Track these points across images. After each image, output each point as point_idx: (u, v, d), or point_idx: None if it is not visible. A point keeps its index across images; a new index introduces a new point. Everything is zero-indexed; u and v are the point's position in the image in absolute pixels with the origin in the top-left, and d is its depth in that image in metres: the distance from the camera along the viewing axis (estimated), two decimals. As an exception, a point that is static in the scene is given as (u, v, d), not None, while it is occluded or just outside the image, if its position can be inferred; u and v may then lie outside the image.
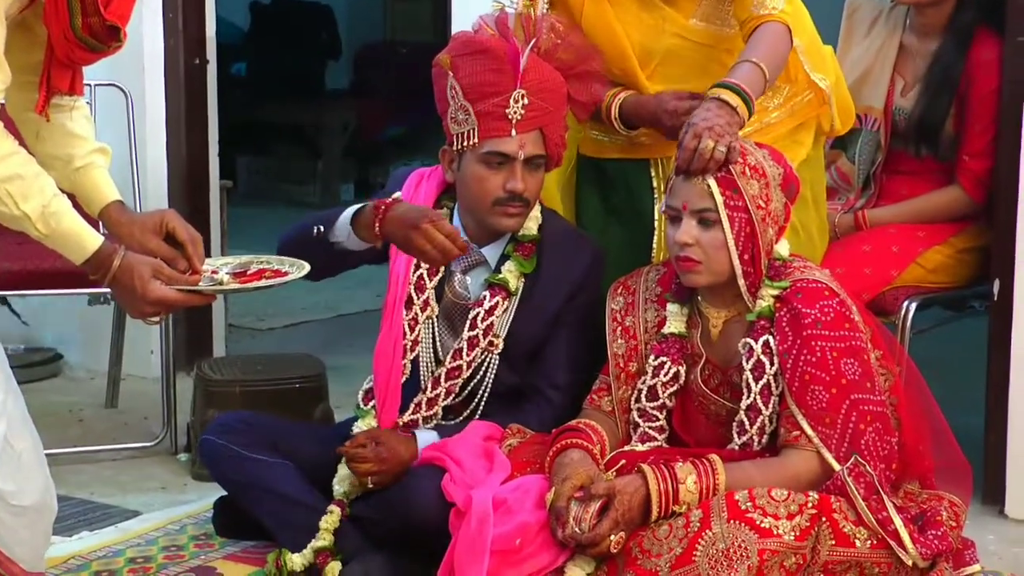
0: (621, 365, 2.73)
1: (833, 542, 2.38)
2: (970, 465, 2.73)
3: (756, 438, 2.57)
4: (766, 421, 2.57)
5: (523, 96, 2.76)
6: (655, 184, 3.00)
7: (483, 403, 2.86)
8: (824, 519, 2.38)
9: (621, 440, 2.70)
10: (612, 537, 2.41)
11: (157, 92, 4.31)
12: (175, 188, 4.35)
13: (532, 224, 2.87)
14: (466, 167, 2.81)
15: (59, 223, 2.26)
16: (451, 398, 2.86)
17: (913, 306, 3.23)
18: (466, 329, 2.83)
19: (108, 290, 2.43)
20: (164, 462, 3.70)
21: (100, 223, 2.45)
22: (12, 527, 2.33)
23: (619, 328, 2.75)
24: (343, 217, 2.75)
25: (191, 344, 4.37)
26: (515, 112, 2.76)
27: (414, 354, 2.86)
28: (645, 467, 2.47)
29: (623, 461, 2.58)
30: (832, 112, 3.05)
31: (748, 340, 2.58)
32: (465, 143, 2.79)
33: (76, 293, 3.82)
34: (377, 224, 2.69)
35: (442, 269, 2.86)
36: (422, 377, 2.87)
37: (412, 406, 2.85)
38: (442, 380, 2.84)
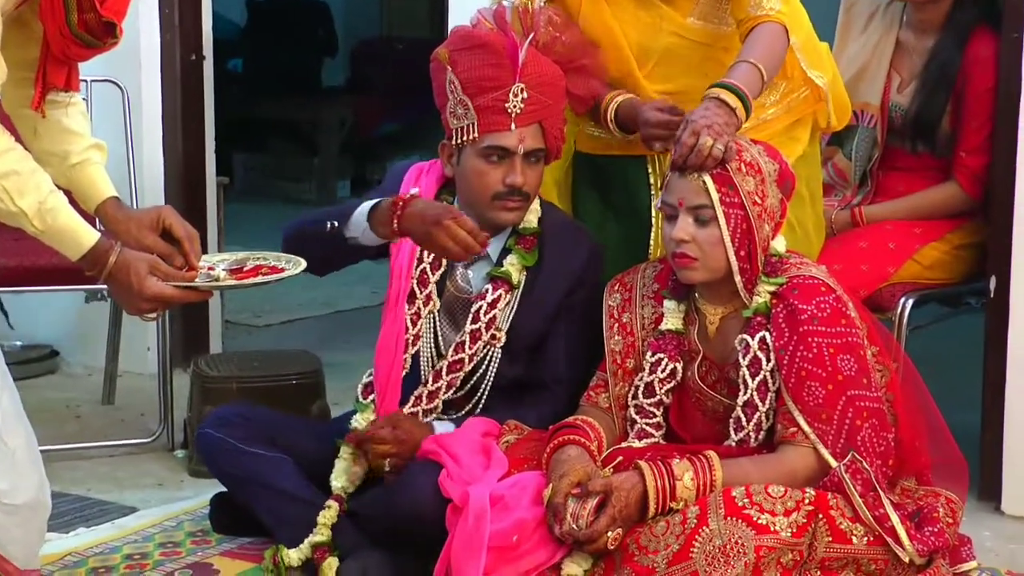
0: (618, 361, 2.73)
1: (830, 539, 2.39)
2: (966, 461, 2.73)
3: (753, 434, 2.57)
4: (763, 417, 2.57)
5: (522, 90, 2.76)
6: (652, 181, 3.00)
7: (485, 397, 2.86)
8: (821, 516, 2.39)
9: (618, 437, 2.70)
10: (609, 534, 2.41)
11: (153, 88, 4.31)
12: (171, 184, 4.34)
13: (532, 217, 2.88)
14: (465, 161, 2.82)
15: (55, 219, 2.26)
16: (452, 391, 2.85)
17: (910, 302, 3.23)
18: (468, 322, 2.84)
19: (105, 287, 2.43)
20: (161, 458, 3.70)
21: (97, 220, 2.45)
22: (5, 525, 2.33)
23: (616, 324, 2.75)
24: (358, 213, 2.73)
25: (188, 340, 4.37)
26: (514, 106, 2.76)
27: (415, 349, 2.86)
28: (642, 464, 2.47)
29: (620, 458, 2.58)
30: (829, 108, 3.06)
31: (745, 336, 2.59)
32: (464, 138, 2.79)
33: (73, 289, 3.81)
34: (395, 220, 2.68)
35: (444, 263, 2.86)
36: (423, 371, 2.87)
37: (412, 399, 2.85)
38: (443, 373, 2.85)
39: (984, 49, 3.32)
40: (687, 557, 2.34)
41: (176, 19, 4.32)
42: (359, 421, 2.87)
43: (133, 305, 2.35)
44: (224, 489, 2.99)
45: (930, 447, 2.66)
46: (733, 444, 2.58)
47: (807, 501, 2.39)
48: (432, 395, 2.85)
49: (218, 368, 3.60)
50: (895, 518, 2.41)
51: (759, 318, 2.59)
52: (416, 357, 2.87)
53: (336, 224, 2.73)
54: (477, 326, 2.83)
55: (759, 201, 2.57)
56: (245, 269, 2.50)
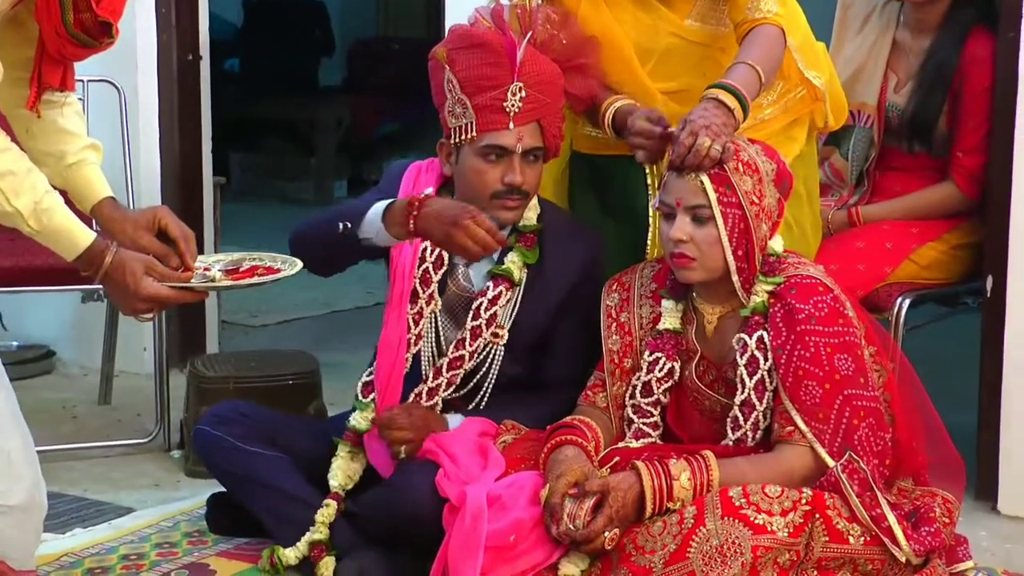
0: (616, 361, 2.73)
1: (827, 539, 2.39)
2: (963, 461, 2.73)
3: (750, 434, 2.57)
4: (760, 417, 2.57)
5: (520, 89, 2.76)
6: (649, 181, 2.99)
7: (488, 395, 2.86)
8: (818, 516, 2.39)
9: (615, 436, 2.70)
10: (606, 534, 2.41)
11: (150, 88, 4.30)
12: (168, 184, 4.34)
13: (532, 214, 2.88)
14: (464, 160, 2.81)
15: (51, 219, 2.26)
16: (451, 389, 2.85)
17: (906, 302, 3.23)
18: (469, 319, 2.83)
19: (101, 287, 2.42)
20: (157, 459, 3.70)
21: (93, 220, 2.45)
22: (0, 526, 2.32)
23: (614, 324, 2.75)
24: (372, 213, 2.72)
25: (184, 341, 4.37)
26: (513, 105, 2.76)
27: (417, 348, 2.86)
28: (639, 464, 2.47)
29: (617, 458, 2.58)
30: (826, 108, 3.06)
31: (742, 336, 2.59)
32: (463, 136, 2.79)
33: (69, 290, 3.81)
34: (411, 220, 2.67)
35: (446, 263, 2.86)
36: (423, 370, 2.87)
37: (412, 396, 2.84)
38: (444, 370, 2.84)
39: (981, 49, 3.32)
40: (684, 557, 2.34)
41: (173, 19, 4.32)
42: (358, 419, 2.87)
43: (129, 306, 2.35)
44: (221, 489, 2.99)
45: (927, 447, 2.66)
46: (730, 443, 2.58)
47: (804, 501, 2.39)
48: (432, 392, 2.84)
49: (215, 368, 3.60)
50: (892, 518, 2.41)
51: (757, 317, 2.59)
52: (417, 356, 2.87)
53: (349, 225, 2.72)
54: (478, 323, 2.83)
55: (757, 201, 2.57)
56: (241, 270, 2.50)
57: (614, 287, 2.79)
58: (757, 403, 2.57)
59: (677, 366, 2.67)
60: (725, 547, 2.32)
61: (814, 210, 3.16)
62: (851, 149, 3.51)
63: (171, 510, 3.25)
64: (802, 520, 2.37)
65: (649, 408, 2.68)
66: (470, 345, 2.83)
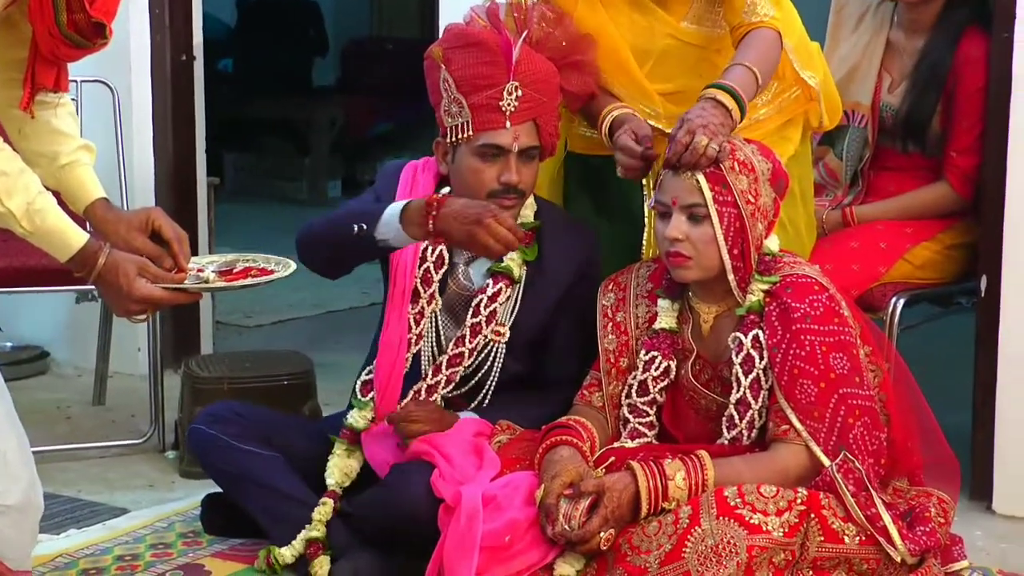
0: (612, 360, 2.73)
1: (822, 538, 2.39)
2: (958, 461, 2.73)
3: (746, 432, 2.57)
4: (755, 415, 2.57)
5: (516, 88, 2.76)
6: (644, 180, 2.99)
7: (490, 393, 2.86)
8: (813, 515, 2.39)
9: (611, 436, 2.70)
10: (602, 534, 2.41)
11: (144, 88, 4.30)
12: (162, 185, 4.33)
13: (529, 212, 2.88)
14: (460, 159, 2.81)
15: (44, 220, 2.26)
16: (451, 387, 2.85)
17: (901, 302, 3.24)
18: (469, 316, 2.83)
19: (95, 287, 2.42)
20: (152, 459, 3.69)
21: (86, 221, 2.44)
22: (-3, 526, 2.33)
23: (610, 324, 2.75)
24: (388, 215, 2.69)
25: (178, 341, 4.36)
26: (508, 104, 2.76)
27: (417, 347, 2.86)
28: (634, 464, 2.47)
29: (612, 458, 2.58)
30: (821, 108, 3.06)
31: (738, 334, 2.59)
32: (459, 136, 2.79)
33: (63, 290, 3.80)
34: (430, 220, 2.66)
35: (447, 262, 2.86)
36: (423, 369, 2.86)
37: (411, 393, 2.84)
38: (443, 367, 2.84)
39: (975, 49, 3.33)
40: (679, 557, 2.34)
41: (166, 19, 4.32)
42: (356, 417, 2.87)
43: (122, 307, 2.34)
44: (216, 490, 2.98)
45: (922, 447, 2.67)
46: (726, 442, 2.58)
47: (799, 501, 2.39)
48: (431, 389, 2.84)
49: (209, 369, 3.59)
50: (887, 517, 2.42)
51: (752, 316, 2.59)
52: (417, 356, 2.87)
53: (365, 227, 2.71)
54: (478, 320, 2.83)
55: (752, 200, 2.57)
56: (234, 271, 2.50)
57: (610, 287, 2.79)
58: (752, 402, 2.57)
59: (673, 365, 2.67)
60: (720, 547, 2.32)
61: (808, 210, 3.16)
62: (845, 149, 3.51)
63: (166, 511, 3.25)
64: (797, 520, 2.38)
65: (645, 407, 2.68)
66: (470, 342, 2.83)
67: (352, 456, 2.86)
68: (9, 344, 4.51)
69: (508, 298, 2.85)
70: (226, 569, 2.90)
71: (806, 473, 2.49)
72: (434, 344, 2.87)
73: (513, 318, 2.85)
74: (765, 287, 2.59)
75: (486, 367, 2.85)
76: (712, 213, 2.55)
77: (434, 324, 2.87)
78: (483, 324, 2.83)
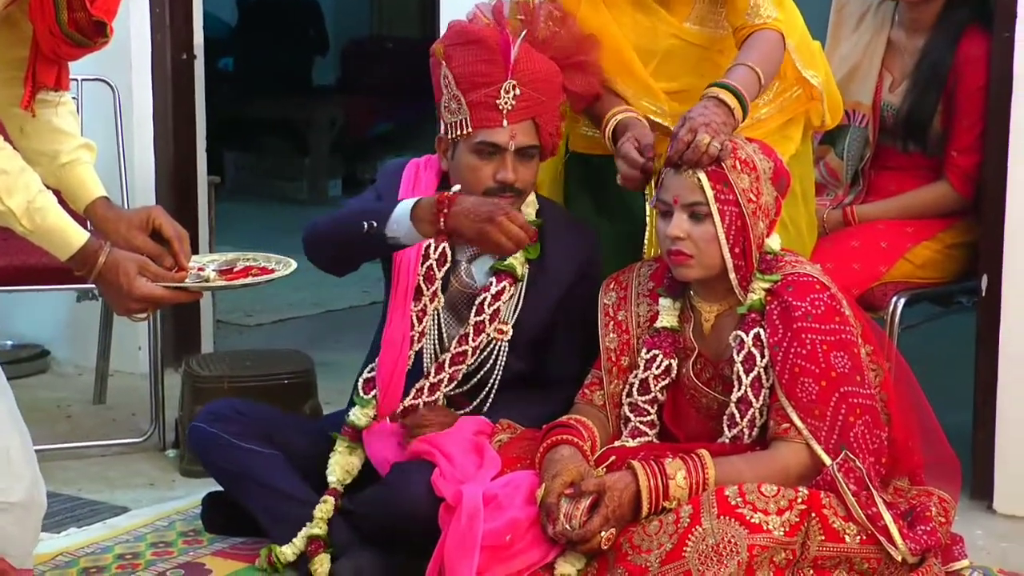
0: (613, 359, 2.73)
1: (823, 538, 2.39)
2: (959, 461, 2.73)
3: (747, 431, 2.57)
4: (756, 414, 2.57)
5: (514, 87, 2.76)
6: (645, 180, 3.00)
7: (494, 392, 2.86)
8: (814, 515, 2.39)
9: (612, 435, 2.70)
10: (602, 533, 2.41)
11: (144, 87, 4.30)
12: (162, 184, 4.34)
13: (530, 211, 2.88)
14: (459, 156, 2.82)
15: (44, 219, 2.26)
16: (453, 385, 2.85)
17: (901, 302, 3.24)
18: (472, 315, 2.83)
19: (95, 286, 2.42)
20: (152, 458, 3.69)
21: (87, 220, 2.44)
22: (0, 524, 2.32)
23: (611, 323, 2.75)
24: (399, 212, 2.69)
25: (179, 340, 4.36)
26: (506, 103, 2.76)
27: (419, 345, 2.86)
28: (635, 463, 2.47)
29: (613, 457, 2.58)
30: (823, 107, 3.06)
31: (739, 333, 2.59)
32: (458, 132, 2.79)
33: (64, 289, 3.80)
34: (442, 218, 2.66)
35: (449, 260, 2.86)
36: (426, 367, 2.86)
37: (414, 391, 2.84)
38: (446, 366, 2.84)
39: (975, 48, 3.33)
40: (680, 556, 2.34)
41: (167, 18, 4.32)
42: (358, 415, 2.87)
43: (122, 305, 2.34)
44: (216, 488, 2.98)
45: (923, 446, 2.67)
46: (727, 441, 2.58)
47: (800, 500, 2.39)
48: (433, 387, 2.84)
49: (209, 367, 3.59)
50: (888, 517, 2.42)
51: (754, 315, 2.59)
52: (419, 354, 2.87)
53: (375, 224, 2.71)
54: (481, 318, 2.83)
55: (754, 198, 2.57)
56: (235, 270, 2.50)
57: (611, 286, 2.79)
58: (753, 400, 2.57)
59: (674, 364, 2.67)
60: (721, 546, 2.32)
61: (809, 209, 3.16)
62: (846, 148, 3.51)
63: (166, 509, 3.25)
64: (798, 519, 2.37)
65: (646, 406, 2.67)
66: (473, 341, 2.83)
67: (353, 454, 2.86)
68: (10, 343, 4.52)
69: (511, 296, 2.85)
70: (227, 568, 2.89)
71: (807, 472, 2.49)
72: (436, 342, 2.87)
73: (516, 316, 2.85)
74: (766, 286, 2.59)
75: (488, 365, 2.86)
76: (714, 212, 2.55)
77: (436, 322, 2.87)
78: (486, 322, 2.83)
